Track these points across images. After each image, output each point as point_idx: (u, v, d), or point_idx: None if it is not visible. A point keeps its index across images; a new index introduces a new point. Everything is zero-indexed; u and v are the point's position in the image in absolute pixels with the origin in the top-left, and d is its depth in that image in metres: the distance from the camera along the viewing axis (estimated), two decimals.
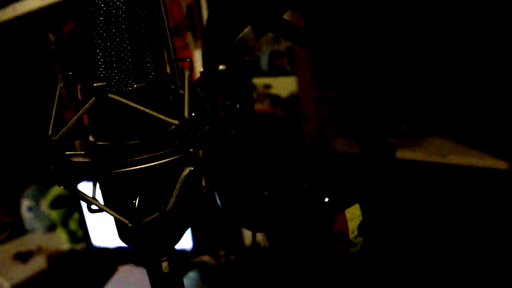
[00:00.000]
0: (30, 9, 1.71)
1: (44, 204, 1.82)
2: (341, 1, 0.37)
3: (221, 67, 0.37)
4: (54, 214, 1.78)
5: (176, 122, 0.29)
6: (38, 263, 1.69)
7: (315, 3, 0.36)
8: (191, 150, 0.30)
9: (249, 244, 1.52)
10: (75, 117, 0.29)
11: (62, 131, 0.29)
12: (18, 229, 1.91)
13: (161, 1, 0.35)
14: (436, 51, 0.54)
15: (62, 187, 0.31)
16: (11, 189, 1.92)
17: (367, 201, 0.39)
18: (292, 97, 1.27)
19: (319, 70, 0.87)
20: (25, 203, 1.86)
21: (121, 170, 0.29)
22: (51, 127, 0.30)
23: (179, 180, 0.30)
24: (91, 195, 0.35)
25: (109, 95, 0.29)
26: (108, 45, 0.30)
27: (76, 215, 1.74)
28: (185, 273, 1.47)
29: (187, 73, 0.32)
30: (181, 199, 0.31)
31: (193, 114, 0.35)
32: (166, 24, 0.35)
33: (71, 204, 1.76)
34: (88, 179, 0.34)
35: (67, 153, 0.33)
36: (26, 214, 1.87)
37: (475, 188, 0.83)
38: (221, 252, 1.53)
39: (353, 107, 0.39)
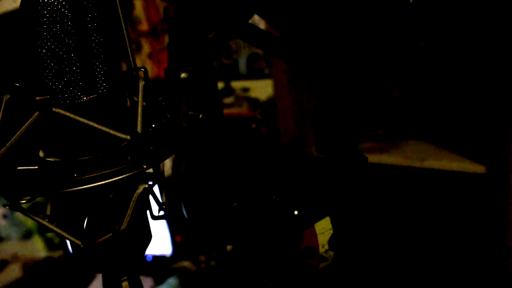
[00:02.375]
0: (4, 10, 1.68)
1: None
2: (304, 6, 0.35)
3: (183, 75, 0.35)
4: (30, 222, 1.74)
5: (128, 137, 0.27)
6: (13, 272, 1.65)
7: (279, 8, 0.34)
8: (145, 166, 0.28)
9: (229, 249, 1.50)
10: (18, 133, 0.27)
11: (4, 149, 0.27)
12: None
13: (118, 7, 0.32)
14: (412, 55, 0.53)
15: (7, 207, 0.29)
16: None
17: (338, 214, 0.37)
18: (271, 100, 1.26)
19: (295, 73, 0.86)
20: (0, 210, 1.81)
21: (71, 189, 0.27)
22: None
23: (133, 198, 0.28)
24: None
25: (53, 109, 0.27)
26: (54, 55, 0.28)
27: None
28: (164, 279, 1.45)
29: (141, 84, 0.29)
30: (137, 217, 0.29)
31: (153, 125, 0.33)
32: (124, 31, 0.33)
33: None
34: (39, 197, 0.32)
35: (19, 168, 0.31)
36: (1, 222, 1.82)
37: (453, 192, 0.83)
38: (201, 257, 1.51)
39: (320, 120, 0.37)
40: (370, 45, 0.39)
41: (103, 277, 0.34)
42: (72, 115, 0.27)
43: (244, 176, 0.43)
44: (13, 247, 1.81)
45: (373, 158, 0.88)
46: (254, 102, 1.29)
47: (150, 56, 1.60)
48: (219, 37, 0.37)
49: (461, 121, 0.86)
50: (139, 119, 0.28)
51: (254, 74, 1.31)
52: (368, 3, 0.41)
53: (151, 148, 0.29)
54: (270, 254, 0.38)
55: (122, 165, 0.29)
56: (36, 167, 0.32)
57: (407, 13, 0.44)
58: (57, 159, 0.29)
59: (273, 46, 0.35)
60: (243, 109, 1.30)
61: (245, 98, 1.31)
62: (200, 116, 0.35)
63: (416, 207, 0.83)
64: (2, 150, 0.27)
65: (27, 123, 0.27)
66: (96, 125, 0.27)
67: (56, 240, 1.70)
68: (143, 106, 0.30)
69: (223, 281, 1.43)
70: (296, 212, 0.38)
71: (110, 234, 0.28)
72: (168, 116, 0.33)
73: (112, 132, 0.27)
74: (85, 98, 0.29)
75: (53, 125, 0.28)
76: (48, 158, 0.30)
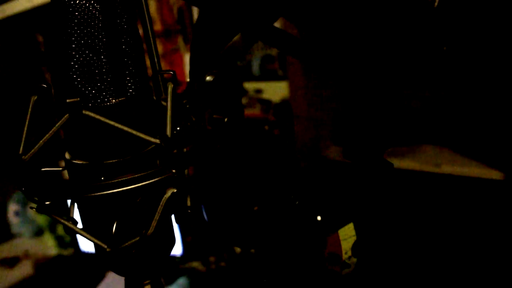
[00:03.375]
0: (19, 10, 1.69)
1: (32, 209, 1.79)
2: (333, 10, 0.35)
3: (208, 78, 0.35)
4: (42, 219, 1.75)
5: (157, 141, 0.27)
6: (25, 269, 1.66)
7: (307, 11, 0.34)
8: (174, 170, 0.28)
9: (239, 250, 1.50)
10: (47, 135, 0.27)
11: (33, 150, 0.27)
12: (5, 234, 1.87)
13: (145, 9, 0.32)
14: (432, 60, 0.53)
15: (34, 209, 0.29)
16: None
17: (362, 220, 0.37)
18: (284, 102, 1.25)
19: (311, 75, 0.85)
20: (12, 207, 1.82)
21: (99, 193, 0.27)
22: (22, 145, 0.28)
23: (161, 203, 0.28)
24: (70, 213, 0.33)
25: (83, 111, 0.26)
26: (84, 57, 0.28)
27: None
28: (174, 279, 1.45)
29: (170, 87, 0.29)
30: (163, 221, 0.29)
31: (178, 128, 0.33)
32: (150, 34, 0.33)
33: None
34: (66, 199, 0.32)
35: (44, 169, 0.31)
36: (13, 219, 1.83)
37: (469, 198, 0.82)
38: (211, 258, 1.51)
39: (347, 124, 0.37)
40: (396, 49, 0.38)
41: (125, 280, 0.34)
42: (102, 118, 0.27)
43: (265, 179, 0.43)
44: (25, 244, 1.83)
45: None
46: (267, 104, 1.29)
47: (163, 56, 1.61)
48: (245, 40, 0.37)
49: (479, 127, 0.85)
50: (169, 122, 0.28)
51: (267, 75, 1.30)
52: (392, 6, 0.41)
53: (177, 151, 0.29)
54: (292, 259, 0.38)
55: (149, 168, 0.29)
56: (62, 169, 0.32)
57: (431, 17, 0.44)
58: (84, 162, 0.29)
59: (300, 50, 0.35)
60: (256, 111, 1.29)
61: (258, 99, 1.31)
62: (226, 119, 0.35)
63: (431, 213, 0.82)
64: (31, 151, 0.27)
65: (57, 125, 0.27)
66: (126, 128, 0.27)
67: (67, 238, 1.72)
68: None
69: (232, 282, 1.43)
70: (319, 218, 0.37)
71: (138, 238, 0.28)
72: (194, 119, 0.33)
73: (142, 135, 0.27)
74: (113, 100, 0.28)
75: (81, 128, 0.28)
76: (75, 160, 0.30)
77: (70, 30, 0.27)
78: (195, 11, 1.44)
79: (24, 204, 1.83)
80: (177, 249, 1.45)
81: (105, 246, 0.28)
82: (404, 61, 0.41)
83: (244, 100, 1.34)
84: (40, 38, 1.98)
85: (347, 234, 0.37)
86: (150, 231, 0.28)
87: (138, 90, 0.30)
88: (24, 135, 0.29)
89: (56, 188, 0.29)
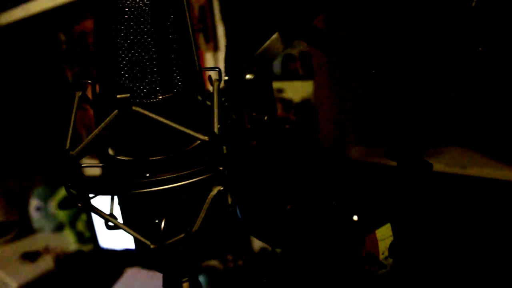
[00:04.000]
0: (41, 9, 1.71)
1: (53, 205, 1.82)
2: (375, 8, 0.35)
3: (248, 76, 0.35)
4: (62, 215, 1.78)
5: (206, 138, 0.27)
6: (45, 263, 1.69)
7: (351, 8, 0.34)
8: (221, 168, 0.28)
9: (257, 249, 1.50)
10: (96, 130, 0.27)
11: (81, 145, 0.27)
12: (26, 229, 1.91)
13: (186, 9, 0.33)
14: (466, 60, 0.52)
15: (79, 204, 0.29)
16: (20, 188, 1.92)
17: (399, 221, 0.37)
18: (305, 101, 1.25)
19: (336, 75, 0.85)
20: (34, 203, 1.85)
21: (146, 190, 0.27)
22: (69, 140, 0.28)
23: (207, 200, 0.28)
24: (108, 211, 0.33)
25: (133, 107, 0.27)
26: (133, 54, 0.28)
27: (84, 216, 1.73)
28: None
29: (215, 84, 0.29)
30: (207, 219, 0.29)
31: (218, 126, 0.34)
32: (190, 32, 0.33)
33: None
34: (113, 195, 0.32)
35: (84, 165, 0.32)
36: (34, 214, 1.86)
37: (496, 201, 0.80)
38: (229, 257, 1.51)
39: (390, 124, 0.37)
40: (437, 48, 0.38)
41: (164, 277, 0.35)
42: (151, 114, 0.27)
43: (299, 178, 0.43)
44: (45, 239, 1.86)
45: None
46: (288, 103, 1.29)
47: None
48: (282, 39, 0.37)
49: (505, 129, 0.84)
50: (216, 119, 0.28)
51: (289, 75, 1.30)
52: (431, 6, 0.40)
53: (222, 149, 0.29)
54: (328, 258, 0.38)
55: (193, 166, 0.29)
56: (102, 165, 0.33)
57: (468, 17, 0.43)
58: (129, 158, 0.30)
59: (338, 49, 0.34)
60: (277, 110, 1.29)
61: (279, 99, 1.31)
62: (266, 118, 0.35)
63: (457, 216, 0.81)
64: (79, 147, 0.27)
65: (106, 121, 0.27)
66: (175, 125, 0.27)
67: (87, 234, 1.74)
68: (210, 106, 0.30)
69: (250, 281, 1.43)
70: (355, 218, 0.37)
71: (183, 235, 0.28)
72: (234, 117, 0.33)
73: (191, 132, 0.27)
74: (160, 97, 0.29)
75: (129, 124, 0.29)
76: (119, 156, 0.30)
77: (120, 27, 0.28)
78: (217, 9, 1.44)
79: (45, 200, 1.86)
80: None
81: (149, 243, 0.29)
82: (443, 61, 0.41)
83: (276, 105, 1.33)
84: (63, 37, 2.01)
85: (384, 235, 0.37)
86: (195, 229, 0.28)
87: (184, 87, 0.30)
88: (70, 131, 0.29)
89: (99, 186, 0.29)
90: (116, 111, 0.27)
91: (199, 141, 0.30)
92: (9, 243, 1.85)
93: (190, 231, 0.28)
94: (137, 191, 0.28)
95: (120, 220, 0.32)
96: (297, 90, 1.28)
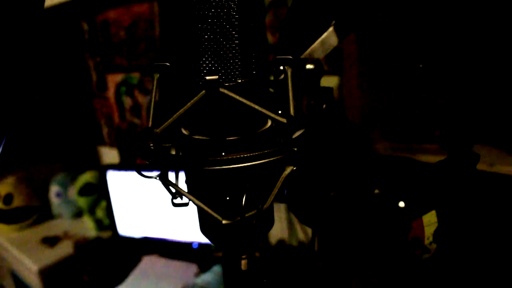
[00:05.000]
0: None
1: (73, 191, 1.86)
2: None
3: (309, 66, 0.37)
4: (82, 201, 1.81)
5: (284, 120, 0.29)
6: (64, 248, 1.73)
7: (407, 6, 0.35)
8: (295, 149, 0.30)
9: (274, 242, 1.52)
10: (182, 110, 0.29)
11: (166, 124, 0.29)
12: (46, 214, 1.95)
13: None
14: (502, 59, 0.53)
15: (155, 179, 0.31)
16: (41, 174, 1.96)
17: (445, 208, 0.38)
18: None
19: (365, 69, 0.86)
20: (54, 189, 1.89)
21: (227, 166, 0.29)
22: (151, 119, 0.30)
23: (280, 179, 0.30)
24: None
25: (220, 89, 0.29)
26: (218, 39, 0.30)
27: (103, 204, 1.76)
28: (209, 267, 1.48)
29: (289, 71, 0.31)
30: (275, 198, 0.31)
31: (279, 112, 0.35)
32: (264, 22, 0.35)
33: (99, 192, 1.79)
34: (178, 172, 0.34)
35: (170, 144, 0.33)
36: (54, 200, 1.90)
37: None
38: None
39: (445, 118, 0.38)
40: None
41: (224, 253, 0.36)
42: (237, 96, 0.29)
43: (344, 166, 0.44)
44: (65, 224, 1.90)
45: (434, 159, 0.88)
46: None
47: None
48: (337, 32, 0.39)
49: None
50: (292, 103, 0.30)
51: None
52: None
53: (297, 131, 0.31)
54: (375, 244, 0.40)
55: (266, 147, 0.31)
56: (171, 145, 0.35)
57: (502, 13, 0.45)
58: (205, 138, 0.32)
59: (394, 44, 0.36)
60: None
61: None
62: (324, 106, 0.37)
63: (485, 212, 0.82)
64: (163, 125, 0.29)
65: (192, 101, 0.29)
66: (257, 107, 0.29)
67: (106, 221, 1.77)
68: (276, 93, 0.32)
69: (265, 272, 1.45)
70: (402, 204, 0.39)
71: (255, 212, 0.30)
72: (295, 103, 0.35)
73: (271, 114, 0.29)
74: (239, 80, 0.31)
75: (212, 104, 0.30)
76: (195, 136, 0.32)
77: (208, 14, 0.29)
78: None
79: (65, 186, 1.90)
80: None
81: (221, 219, 0.31)
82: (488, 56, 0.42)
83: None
84: (85, 26, 2.04)
85: (430, 221, 0.39)
86: (266, 206, 0.30)
87: (259, 72, 0.32)
88: (152, 110, 0.31)
89: (178, 160, 0.31)
90: (203, 91, 0.29)
91: (268, 124, 0.32)
92: (30, 227, 1.89)
93: (262, 208, 0.30)
94: (214, 168, 0.30)
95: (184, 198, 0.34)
96: (322, 85, 1.29)
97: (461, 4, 0.37)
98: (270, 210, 0.35)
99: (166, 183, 0.32)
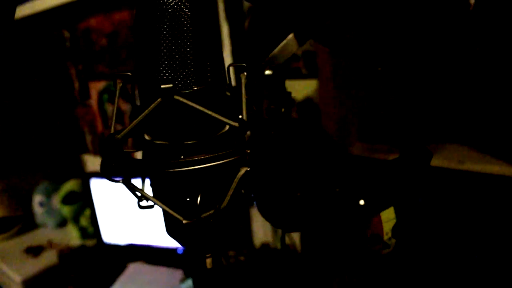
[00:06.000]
0: (47, 6, 1.74)
1: (56, 200, 1.85)
2: (381, 12, 0.38)
3: (267, 72, 0.39)
4: (66, 210, 1.80)
5: (236, 124, 0.31)
6: (48, 258, 1.71)
7: (361, 14, 0.37)
8: (248, 151, 0.31)
9: (258, 245, 1.54)
10: (139, 117, 0.30)
11: (126, 130, 0.31)
12: (30, 224, 1.93)
13: (217, 7, 0.36)
14: (464, 60, 0.56)
15: (120, 183, 0.32)
16: (24, 183, 1.95)
17: (402, 204, 0.40)
18: (308, 100, 1.28)
19: (340, 73, 0.88)
20: (37, 198, 1.88)
21: (184, 169, 0.31)
22: (113, 126, 0.32)
23: (235, 180, 0.32)
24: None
25: (175, 97, 0.30)
26: (173, 49, 0.31)
27: (87, 212, 1.76)
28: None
29: (243, 77, 0.33)
30: (232, 198, 0.33)
31: (240, 116, 0.37)
32: (219, 31, 0.37)
33: (82, 200, 1.78)
34: (143, 176, 0.35)
35: (133, 150, 0.35)
36: (37, 209, 1.89)
37: (492, 195, 0.84)
38: (231, 252, 1.54)
39: (394, 113, 0.40)
40: (435, 49, 0.42)
41: (188, 252, 0.38)
42: (190, 103, 0.30)
43: (309, 167, 0.46)
44: (49, 233, 1.88)
45: None
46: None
47: None
48: (297, 39, 0.41)
49: (502, 125, 0.88)
50: (244, 108, 0.31)
51: (292, 74, 1.33)
52: (430, 9, 0.44)
53: (249, 134, 0.32)
54: (337, 241, 0.41)
55: (222, 149, 0.33)
56: (135, 150, 0.36)
57: (466, 19, 0.47)
58: (165, 142, 0.33)
59: (349, 48, 0.38)
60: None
61: None
62: (283, 110, 0.38)
63: (454, 209, 0.85)
64: (123, 132, 0.31)
65: (149, 108, 0.30)
66: (211, 113, 0.31)
67: (90, 229, 1.77)
68: (232, 98, 0.34)
69: (251, 276, 1.46)
70: (362, 202, 0.41)
71: (213, 211, 0.32)
72: (254, 108, 0.37)
73: (224, 119, 0.31)
74: (195, 88, 0.32)
75: (168, 111, 0.32)
76: (157, 141, 0.33)
77: (163, 26, 0.31)
78: (221, 9, 1.47)
79: (48, 195, 1.88)
80: None
81: (181, 218, 0.32)
82: (441, 60, 0.44)
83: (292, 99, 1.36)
84: (67, 34, 2.04)
85: (388, 217, 0.40)
86: (223, 205, 0.32)
87: (215, 80, 0.33)
88: (114, 117, 0.32)
89: (139, 166, 0.33)
90: (159, 99, 0.30)
91: (226, 128, 0.33)
92: (13, 237, 1.87)
93: (219, 208, 0.32)
94: (173, 170, 0.31)
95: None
96: (300, 89, 1.31)
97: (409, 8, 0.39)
98: (231, 209, 0.36)
99: (130, 187, 0.33)
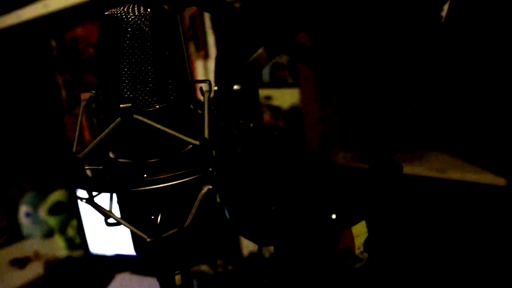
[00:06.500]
0: (33, 16, 1.73)
1: (42, 211, 1.82)
2: (349, 24, 0.39)
3: (235, 86, 0.38)
4: (52, 221, 1.78)
5: (197, 142, 0.31)
6: (35, 269, 1.69)
7: (327, 27, 0.37)
8: (210, 169, 0.31)
9: (246, 254, 1.53)
10: (100, 136, 0.30)
11: (87, 149, 0.30)
12: (16, 235, 1.90)
13: (180, 28, 0.36)
14: (439, 69, 0.56)
15: (84, 201, 0.32)
16: (10, 194, 1.92)
17: (373, 218, 0.40)
18: (293, 109, 1.29)
19: (322, 84, 0.89)
20: (23, 209, 1.86)
21: (145, 188, 0.30)
22: (75, 144, 0.31)
23: (198, 198, 0.31)
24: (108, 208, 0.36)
25: (134, 116, 0.30)
26: (134, 67, 0.31)
27: (74, 222, 1.74)
28: None
29: (206, 95, 0.33)
30: (197, 215, 0.32)
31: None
32: (183, 46, 0.37)
33: (69, 211, 1.76)
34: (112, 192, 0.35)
35: (86, 167, 0.35)
36: (23, 220, 1.86)
37: (473, 204, 0.85)
38: (219, 261, 1.53)
39: (362, 126, 0.40)
40: (405, 58, 0.42)
41: (158, 270, 0.37)
42: (150, 122, 0.30)
43: (283, 181, 0.46)
44: (35, 245, 1.86)
45: None
46: (276, 110, 1.32)
47: None
48: (267, 53, 0.41)
49: (482, 133, 0.88)
50: (206, 126, 0.31)
51: (277, 82, 1.33)
52: (401, 20, 0.44)
53: (213, 152, 0.32)
54: (309, 254, 0.41)
55: (186, 167, 0.32)
56: (103, 167, 0.36)
57: (438, 31, 0.47)
58: (128, 160, 0.33)
59: (319, 62, 0.38)
60: (266, 117, 1.33)
61: (267, 106, 1.34)
62: (251, 125, 0.38)
63: (436, 218, 0.85)
64: (85, 150, 0.30)
65: (110, 127, 0.30)
66: (170, 131, 0.30)
67: (77, 240, 1.75)
68: (201, 114, 0.34)
69: (239, 285, 1.45)
70: (334, 216, 0.41)
71: (176, 230, 0.32)
72: (222, 124, 0.37)
73: (184, 137, 0.31)
74: (157, 106, 0.32)
75: (129, 130, 0.32)
76: (120, 159, 0.33)
77: (123, 45, 0.31)
78: (207, 18, 1.47)
79: (34, 206, 1.86)
80: None
81: (145, 237, 0.32)
82: (414, 69, 0.44)
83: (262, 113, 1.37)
84: (54, 43, 2.03)
85: (360, 231, 0.40)
86: (187, 223, 0.31)
87: (178, 97, 0.33)
88: (76, 135, 0.32)
89: (102, 185, 0.32)
90: (119, 118, 0.30)
91: (191, 145, 0.33)
92: None
93: (183, 226, 0.32)
94: (136, 189, 0.31)
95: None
96: (285, 97, 1.32)
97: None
98: (198, 227, 0.36)
99: (94, 206, 0.33)
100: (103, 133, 0.30)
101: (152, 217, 0.32)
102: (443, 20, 0.48)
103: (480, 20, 0.56)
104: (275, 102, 1.34)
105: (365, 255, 0.41)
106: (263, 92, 1.36)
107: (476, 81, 0.77)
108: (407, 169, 0.86)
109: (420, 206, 0.83)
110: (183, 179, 0.31)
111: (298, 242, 0.43)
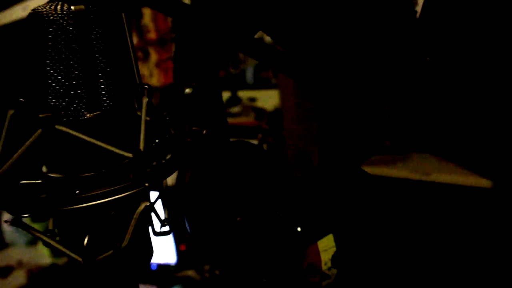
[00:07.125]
0: (14, 19, 1.70)
1: (26, 218, 1.78)
2: (307, 22, 0.36)
3: (187, 90, 0.35)
4: (36, 228, 1.74)
5: (130, 155, 0.27)
6: (18, 278, 1.65)
7: (284, 26, 0.34)
8: (147, 184, 0.28)
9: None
10: (20, 150, 0.27)
11: (6, 165, 0.27)
12: None
13: (125, 25, 0.33)
14: (419, 69, 0.54)
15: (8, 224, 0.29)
16: None
17: (341, 231, 0.37)
18: (278, 110, 1.26)
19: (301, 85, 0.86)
20: (6, 216, 1.81)
21: (73, 207, 0.27)
22: None
23: (134, 216, 0.28)
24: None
25: (56, 126, 0.27)
26: (59, 72, 0.28)
27: None
28: (169, 287, 1.44)
29: (144, 101, 0.30)
30: (138, 233, 0.29)
31: (156, 141, 0.33)
32: (130, 48, 0.33)
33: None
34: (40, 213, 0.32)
35: (22, 182, 0.31)
36: (6, 228, 1.83)
37: (458, 206, 0.82)
38: (206, 267, 1.50)
39: (325, 136, 0.37)
40: (376, 59, 0.39)
41: None
42: (73, 132, 0.27)
43: (248, 190, 0.43)
44: (19, 253, 1.82)
45: (377, 170, 0.87)
46: (260, 112, 1.30)
47: (158, 65, 1.61)
48: (225, 52, 0.37)
49: (467, 135, 0.86)
50: (142, 136, 0.28)
51: (261, 84, 1.31)
52: (375, 18, 0.41)
53: (154, 164, 0.29)
54: (272, 271, 0.38)
55: (124, 182, 0.29)
56: (38, 181, 0.32)
57: (414, 29, 0.44)
58: (59, 175, 0.29)
59: (278, 60, 0.35)
60: (250, 119, 1.30)
61: (251, 107, 1.32)
62: (204, 132, 0.35)
63: (421, 221, 0.82)
64: (4, 166, 0.27)
65: (30, 140, 0.27)
66: (97, 142, 0.27)
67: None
68: (147, 121, 0.30)
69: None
70: (299, 229, 0.37)
71: (111, 252, 0.28)
72: (172, 131, 0.33)
73: (114, 149, 0.27)
74: (88, 115, 0.29)
75: (56, 142, 0.29)
76: (51, 174, 0.30)
77: (44, 45, 0.28)
78: None
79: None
80: (172, 258, 1.44)
81: (80, 259, 0.29)
82: (388, 71, 0.42)
83: (238, 108, 1.35)
84: None
85: (327, 245, 0.37)
86: (124, 244, 0.28)
87: (113, 104, 0.30)
88: None
89: (32, 202, 0.29)
90: (40, 130, 0.27)
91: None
92: None
93: (120, 247, 0.28)
94: (65, 208, 0.28)
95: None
96: (269, 98, 1.29)
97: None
98: (143, 243, 0.33)
99: (22, 226, 0.30)
100: (23, 147, 0.27)
101: (86, 237, 0.29)
102: (417, 15, 0.45)
103: (457, 15, 0.53)
104: (259, 103, 1.32)
105: (334, 271, 0.38)
106: (247, 94, 1.34)
107: (461, 81, 0.74)
108: (391, 172, 0.84)
109: (404, 210, 0.81)
110: (115, 195, 0.28)
111: (261, 256, 0.40)
